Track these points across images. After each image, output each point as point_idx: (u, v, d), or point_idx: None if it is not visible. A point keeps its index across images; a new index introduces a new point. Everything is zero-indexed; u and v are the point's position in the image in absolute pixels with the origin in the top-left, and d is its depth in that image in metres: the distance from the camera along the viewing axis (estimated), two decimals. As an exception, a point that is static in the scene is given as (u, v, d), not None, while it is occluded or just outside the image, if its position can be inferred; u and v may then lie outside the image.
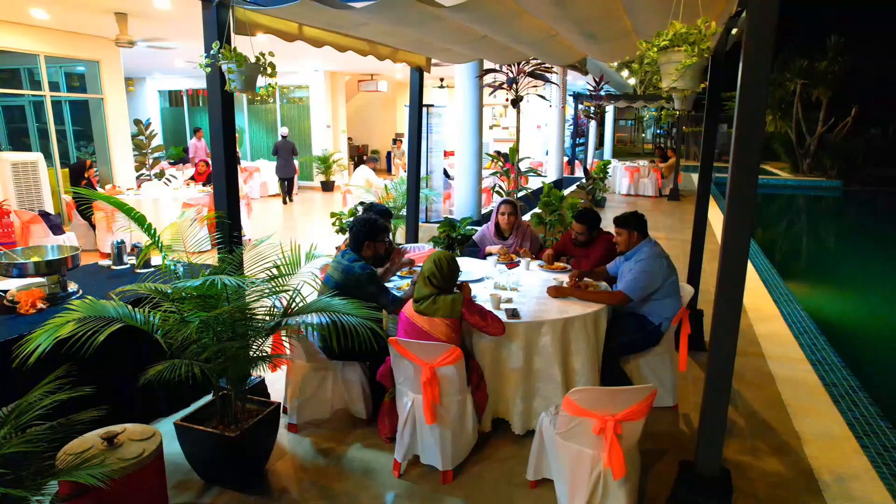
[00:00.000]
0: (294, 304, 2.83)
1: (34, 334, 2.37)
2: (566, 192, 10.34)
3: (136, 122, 9.67)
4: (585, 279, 3.83)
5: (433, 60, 5.06)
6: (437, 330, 2.85)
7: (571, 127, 17.32)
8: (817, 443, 3.35)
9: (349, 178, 11.80)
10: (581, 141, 17.45)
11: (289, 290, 2.84)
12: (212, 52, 2.76)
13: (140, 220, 2.68)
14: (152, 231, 2.70)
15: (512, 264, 4.21)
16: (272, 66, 2.87)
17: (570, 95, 14.78)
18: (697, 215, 4.66)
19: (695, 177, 19.63)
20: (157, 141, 10.26)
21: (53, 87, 9.70)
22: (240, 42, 2.93)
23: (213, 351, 2.57)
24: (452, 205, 7.90)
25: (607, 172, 12.21)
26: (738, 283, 2.31)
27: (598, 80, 12.38)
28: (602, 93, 12.78)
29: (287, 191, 12.66)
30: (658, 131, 40.69)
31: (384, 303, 3.25)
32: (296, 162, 12.88)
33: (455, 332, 2.88)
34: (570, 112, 15.21)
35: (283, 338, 3.25)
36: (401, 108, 20.07)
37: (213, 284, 2.39)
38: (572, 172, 14.69)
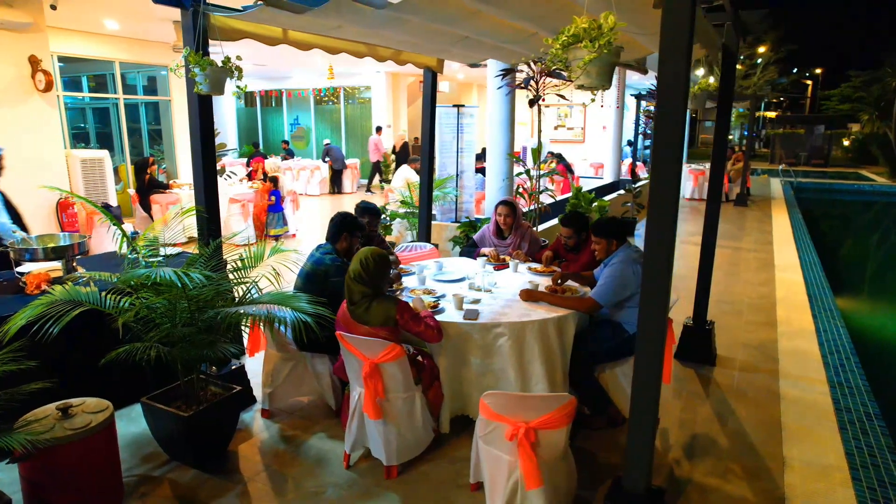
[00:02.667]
0: (248, 296, 2.97)
1: (17, 314, 2.65)
2: (614, 195, 10.01)
3: (201, 122, 10.36)
4: (569, 283, 3.73)
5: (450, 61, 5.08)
6: (376, 336, 2.88)
7: (641, 127, 16.70)
8: (802, 470, 3.09)
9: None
10: (648, 143, 16.78)
11: (246, 283, 2.99)
12: (182, 56, 2.95)
13: (105, 214, 2.92)
14: (121, 227, 2.94)
15: (501, 265, 4.17)
16: (239, 69, 3.03)
17: (632, 95, 14.27)
18: (708, 220, 4.40)
19: (775, 181, 18.36)
20: (220, 139, 10.91)
21: (131, 90, 10.63)
22: (228, 47, 3.13)
23: (162, 335, 2.76)
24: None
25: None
26: (661, 294, 2.18)
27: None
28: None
29: (338, 182, 14.68)
30: (746, 132, 38.26)
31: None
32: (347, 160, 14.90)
33: (394, 334, 2.91)
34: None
35: (262, 327, 3.41)
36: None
37: (149, 276, 2.57)
38: (633, 174, 14.15)
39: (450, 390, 3.21)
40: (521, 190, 6.51)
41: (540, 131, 6.02)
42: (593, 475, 3.03)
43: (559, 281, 3.71)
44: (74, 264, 3.75)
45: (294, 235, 9.02)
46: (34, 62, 6.56)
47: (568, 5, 2.64)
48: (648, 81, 14.28)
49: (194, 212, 3.46)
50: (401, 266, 4.16)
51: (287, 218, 8.68)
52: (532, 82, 5.59)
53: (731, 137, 33.28)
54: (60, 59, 9.67)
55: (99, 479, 2.61)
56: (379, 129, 15.06)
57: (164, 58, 9.41)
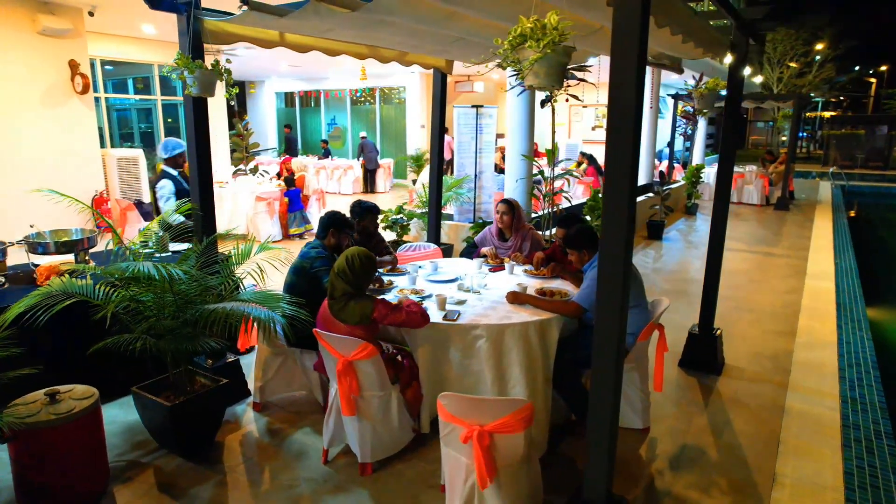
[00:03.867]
0: (232, 293, 3.07)
1: (16, 303, 2.82)
2: (642, 197, 9.77)
3: (235, 121, 10.69)
4: (559, 286, 3.68)
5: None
6: (352, 334, 2.91)
7: (680, 128, 16.24)
8: (792, 487, 2.95)
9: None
10: (687, 145, 16.31)
11: (231, 279, 3.08)
12: (173, 60, 3.07)
13: (99, 216, 3.06)
14: (109, 223, 3.08)
15: (497, 267, 4.15)
16: (228, 72, 3.12)
17: (669, 96, 13.91)
18: (715, 225, 4.25)
19: (825, 184, 17.48)
20: (254, 139, 11.21)
21: (172, 91, 11.08)
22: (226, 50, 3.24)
23: (146, 328, 2.88)
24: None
25: (700, 177, 11.32)
26: (615, 297, 2.13)
27: (697, 78, 11.49)
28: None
29: (371, 181, 14.61)
30: (802, 134, 36.45)
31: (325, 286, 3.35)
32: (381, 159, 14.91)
33: (369, 333, 2.93)
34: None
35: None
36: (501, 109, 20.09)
37: (128, 269, 2.68)
38: (669, 176, 13.75)
39: (430, 391, 3.21)
40: (535, 192, 6.45)
41: (554, 132, 5.94)
42: (569, 482, 2.98)
43: (549, 271, 3.74)
44: (87, 258, 3.95)
45: (319, 233, 9.18)
46: (73, 66, 6.93)
47: (538, 5, 2.60)
48: (689, 81, 13.87)
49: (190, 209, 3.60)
50: (397, 266, 4.19)
51: (311, 216, 8.85)
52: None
53: (783, 138, 31.95)
54: (109, 62, 10.18)
55: (83, 461, 2.74)
56: (446, 130, 15.27)
57: (200, 60, 9.79)
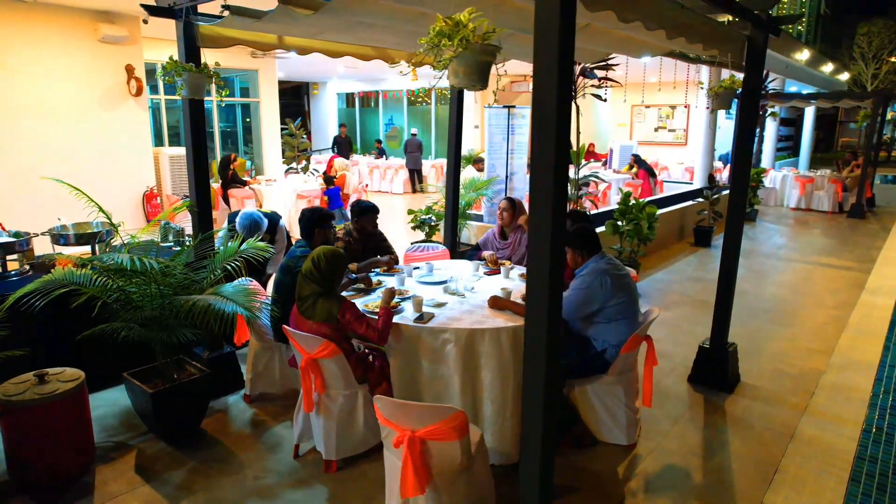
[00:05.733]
0: (210, 286, 3.18)
1: (19, 289, 3.06)
2: (690, 202, 9.29)
3: (287, 121, 11.09)
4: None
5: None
6: (319, 332, 2.94)
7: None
8: (777, 521, 2.72)
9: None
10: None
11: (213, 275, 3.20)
12: (163, 63, 3.22)
13: (98, 208, 3.26)
14: (108, 217, 3.27)
15: (493, 271, 4.08)
16: (217, 74, 3.24)
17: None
18: (728, 232, 3.98)
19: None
20: (315, 138, 11.62)
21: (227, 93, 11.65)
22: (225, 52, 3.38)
23: (129, 317, 3.04)
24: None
25: (761, 181, 10.60)
26: (543, 305, 2.04)
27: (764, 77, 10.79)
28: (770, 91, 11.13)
29: (419, 181, 14.26)
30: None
31: None
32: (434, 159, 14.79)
33: (336, 332, 2.94)
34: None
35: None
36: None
37: (105, 260, 2.84)
38: (710, 179, 12.94)
39: (403, 393, 3.19)
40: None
41: (579, 133, 5.76)
42: (535, 495, 2.87)
43: None
44: (107, 249, 4.22)
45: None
46: (129, 70, 7.43)
47: (506, 3, 2.53)
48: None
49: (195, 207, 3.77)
50: (395, 266, 4.20)
51: (348, 215, 9.03)
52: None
53: (887, 139, 29.22)
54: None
55: (68, 440, 2.92)
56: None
57: (248, 63, 10.19)
